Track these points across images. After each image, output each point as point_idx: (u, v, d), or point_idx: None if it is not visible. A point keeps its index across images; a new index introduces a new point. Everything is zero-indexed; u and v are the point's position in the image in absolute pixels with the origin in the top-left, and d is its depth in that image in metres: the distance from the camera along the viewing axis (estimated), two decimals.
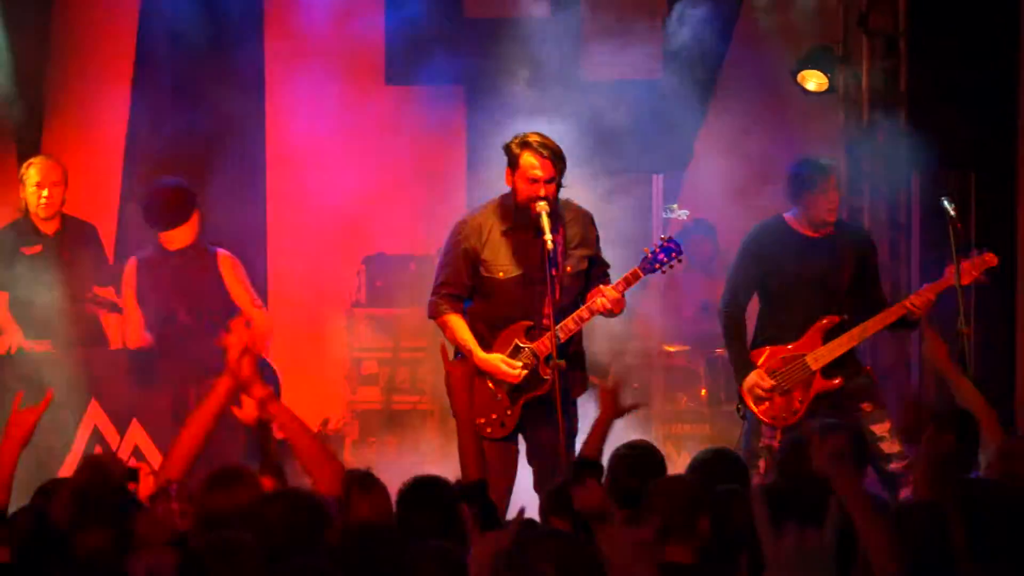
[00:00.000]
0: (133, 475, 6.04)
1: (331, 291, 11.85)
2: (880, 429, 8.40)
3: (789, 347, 8.54)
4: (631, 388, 10.27)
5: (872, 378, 8.72)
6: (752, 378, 8.53)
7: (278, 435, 5.94)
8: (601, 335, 9.43)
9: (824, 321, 8.52)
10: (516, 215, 7.94)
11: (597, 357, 8.79)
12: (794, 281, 8.57)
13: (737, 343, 8.65)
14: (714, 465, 6.06)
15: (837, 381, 8.52)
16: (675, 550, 5.21)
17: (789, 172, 8.71)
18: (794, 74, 10.88)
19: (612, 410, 6.48)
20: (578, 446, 7.71)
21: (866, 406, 8.47)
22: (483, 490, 5.57)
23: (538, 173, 7.85)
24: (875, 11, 10.85)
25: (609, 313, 7.91)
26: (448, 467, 5.79)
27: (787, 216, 8.69)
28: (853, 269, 8.63)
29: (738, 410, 8.72)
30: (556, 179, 7.89)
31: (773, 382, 8.51)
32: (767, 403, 8.52)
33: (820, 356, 8.50)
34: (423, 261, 11.36)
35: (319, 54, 11.64)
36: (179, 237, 9.51)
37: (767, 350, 8.60)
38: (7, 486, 5.69)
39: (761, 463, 8.43)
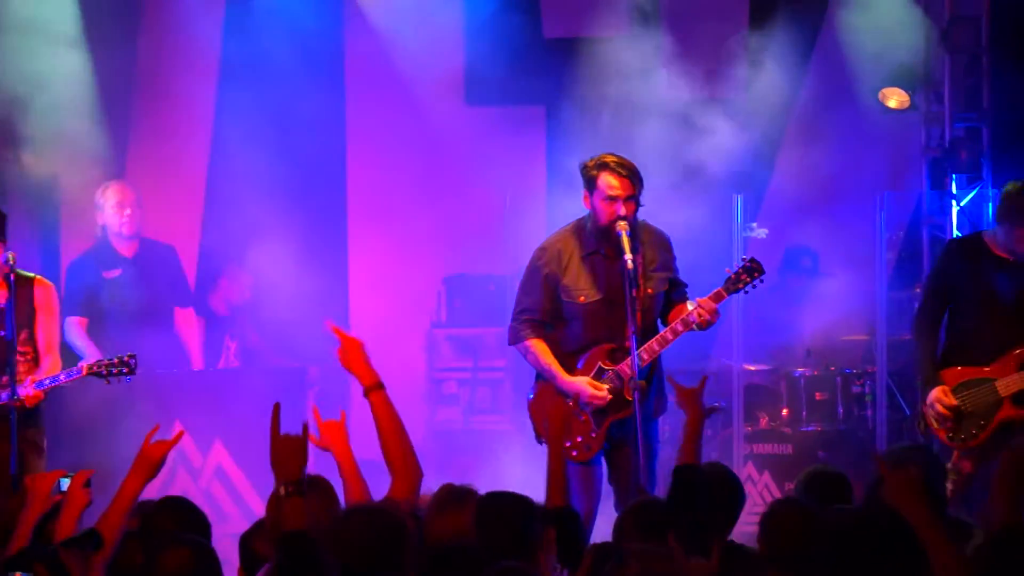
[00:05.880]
0: None
1: (411, 311, 11.89)
2: None
3: (984, 369, 8.18)
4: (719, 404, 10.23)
5: None
6: (935, 393, 8.19)
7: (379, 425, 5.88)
8: (681, 354, 9.38)
9: (1020, 350, 8.14)
10: (596, 238, 7.91)
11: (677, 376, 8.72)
12: (985, 302, 8.18)
13: (924, 358, 8.30)
14: (822, 485, 5.99)
15: None
16: None
17: (1002, 194, 8.25)
18: (876, 92, 10.81)
19: (696, 411, 6.35)
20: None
21: None
22: (571, 517, 5.56)
23: (616, 192, 7.79)
24: (957, 28, 10.77)
25: (703, 324, 7.81)
26: (528, 487, 5.77)
27: (986, 235, 8.33)
28: None
29: (918, 425, 8.38)
30: (635, 196, 7.85)
31: (956, 401, 8.17)
32: (949, 423, 8.18)
33: (1011, 383, 8.12)
34: (503, 281, 11.39)
35: (400, 75, 11.70)
36: None
37: (958, 370, 8.25)
38: (124, 516, 5.45)
39: (948, 484, 7.85)
